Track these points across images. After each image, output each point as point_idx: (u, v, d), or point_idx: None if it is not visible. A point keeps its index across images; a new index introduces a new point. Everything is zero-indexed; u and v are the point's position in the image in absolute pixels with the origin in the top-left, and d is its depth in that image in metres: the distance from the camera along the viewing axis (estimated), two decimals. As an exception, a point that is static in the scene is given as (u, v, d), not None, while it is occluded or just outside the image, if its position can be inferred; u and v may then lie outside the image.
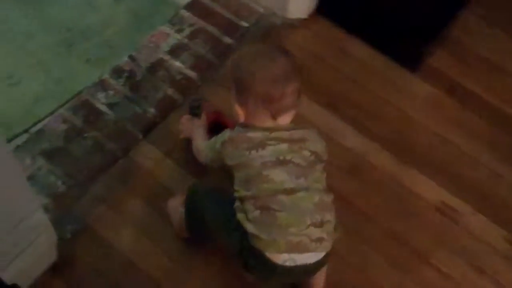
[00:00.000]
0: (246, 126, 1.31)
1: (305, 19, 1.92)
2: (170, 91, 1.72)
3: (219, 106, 1.63)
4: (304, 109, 1.39)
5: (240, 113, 1.32)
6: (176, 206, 1.49)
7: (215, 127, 1.54)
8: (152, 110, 1.68)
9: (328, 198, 1.29)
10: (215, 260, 1.49)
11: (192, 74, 1.76)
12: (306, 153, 1.29)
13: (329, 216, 1.27)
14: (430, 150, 1.73)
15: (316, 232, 1.24)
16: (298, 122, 1.36)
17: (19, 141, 1.63)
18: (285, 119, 1.31)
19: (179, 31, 1.84)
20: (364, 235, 1.57)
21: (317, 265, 1.29)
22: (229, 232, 1.29)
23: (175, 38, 1.83)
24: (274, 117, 1.28)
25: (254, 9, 1.91)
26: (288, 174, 1.25)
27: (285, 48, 1.38)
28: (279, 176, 1.25)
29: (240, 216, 1.25)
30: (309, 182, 1.27)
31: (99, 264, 1.46)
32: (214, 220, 1.34)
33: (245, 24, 1.88)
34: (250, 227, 1.23)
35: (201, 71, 1.77)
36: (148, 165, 1.61)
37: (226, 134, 1.32)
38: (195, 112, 1.63)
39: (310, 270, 1.32)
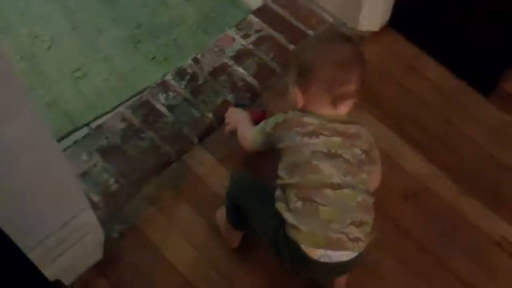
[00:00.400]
0: (304, 111, 1.29)
1: (375, 32, 1.86)
2: (230, 97, 1.70)
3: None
4: (365, 125, 1.34)
5: (299, 98, 1.30)
6: (224, 216, 1.47)
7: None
8: (210, 115, 1.66)
9: (370, 200, 1.27)
10: (263, 274, 1.46)
11: (254, 82, 1.73)
12: (357, 151, 1.27)
13: (368, 218, 1.26)
14: (497, 184, 1.63)
15: (355, 232, 1.22)
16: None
17: (78, 135, 1.66)
18: (344, 108, 1.29)
19: (245, 36, 1.82)
20: (414, 264, 1.49)
21: (350, 265, 1.27)
22: (265, 221, 1.27)
23: (240, 43, 1.80)
24: (334, 103, 1.27)
25: (324, 19, 1.86)
26: (337, 169, 1.24)
27: (349, 35, 1.36)
28: (328, 170, 1.23)
29: (279, 205, 1.24)
30: (356, 181, 1.25)
31: (143, 266, 1.46)
32: (251, 207, 1.33)
33: (312, 33, 1.84)
34: (290, 218, 1.21)
35: (263, 79, 1.74)
36: (201, 171, 1.59)
37: (280, 116, 1.31)
38: (241, 105, 1.64)
39: (342, 269, 1.30)
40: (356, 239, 1.22)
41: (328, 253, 1.21)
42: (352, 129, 1.28)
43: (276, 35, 1.82)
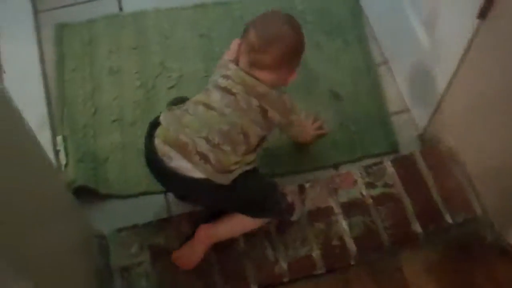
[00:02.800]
0: (237, 59, 1.44)
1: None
2: (315, 254, 1.43)
3: None
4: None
5: (235, 52, 1.45)
6: None
7: None
8: (284, 266, 1.41)
9: (239, 138, 1.35)
10: None
11: (352, 247, 1.44)
12: (255, 102, 1.38)
13: (227, 148, 1.34)
14: None
15: (204, 147, 1.33)
16: None
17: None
18: (260, 75, 1.39)
19: (369, 185, 1.51)
20: None
21: (197, 189, 1.35)
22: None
23: (360, 191, 1.51)
24: (250, 66, 1.40)
25: (471, 207, 1.50)
26: (222, 98, 1.38)
27: (300, 27, 1.44)
28: (215, 96, 1.39)
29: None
30: (232, 116, 1.36)
31: None
32: None
33: (448, 219, 1.48)
34: (162, 116, 1.40)
35: (364, 249, 1.44)
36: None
37: (222, 58, 1.50)
38: None
39: (190, 188, 1.36)
40: (204, 156, 1.33)
41: (172, 154, 1.34)
42: (261, 88, 1.39)
43: (406, 201, 1.50)
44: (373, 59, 1.86)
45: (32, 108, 1.73)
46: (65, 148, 1.67)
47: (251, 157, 1.39)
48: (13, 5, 1.91)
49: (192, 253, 1.42)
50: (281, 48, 1.38)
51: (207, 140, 1.33)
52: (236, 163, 1.35)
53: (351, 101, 1.79)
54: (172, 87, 1.79)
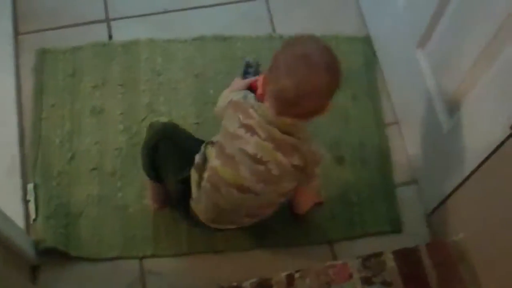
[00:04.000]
0: (259, 100, 1.28)
1: None
2: None
3: None
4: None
5: (261, 86, 1.27)
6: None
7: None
8: None
9: (278, 201, 1.36)
10: None
11: None
12: (286, 162, 1.25)
13: (270, 210, 1.39)
14: None
15: (246, 222, 1.40)
16: None
17: None
18: (291, 120, 1.23)
19: (366, 280, 1.35)
20: None
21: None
22: (176, 183, 1.38)
23: (354, 286, 1.36)
24: (278, 113, 1.22)
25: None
26: (253, 175, 1.26)
27: (337, 63, 1.22)
28: (245, 173, 1.26)
29: (194, 176, 1.34)
30: (266, 192, 1.30)
31: None
32: (167, 165, 1.41)
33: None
34: (195, 193, 1.35)
35: None
36: None
37: (238, 95, 1.31)
38: (247, 72, 1.62)
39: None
40: (239, 222, 1.41)
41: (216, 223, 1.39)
42: (290, 140, 1.24)
43: (404, 301, 1.36)
44: (383, 118, 1.70)
45: (3, 148, 1.58)
46: (36, 199, 1.51)
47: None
48: (-9, 24, 1.73)
49: None
50: (315, 102, 1.21)
51: (247, 215, 1.38)
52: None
53: (355, 166, 1.63)
54: (159, 134, 1.62)
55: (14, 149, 1.57)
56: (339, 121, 1.68)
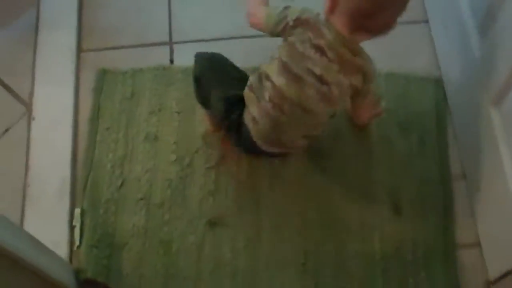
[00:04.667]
0: (327, 18, 1.27)
1: None
2: None
3: None
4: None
5: (327, 1, 1.24)
6: None
7: None
8: None
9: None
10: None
11: None
12: (346, 82, 1.28)
13: (315, 132, 1.41)
14: None
15: (299, 140, 1.41)
16: None
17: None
18: (360, 37, 1.26)
19: None
20: None
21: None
22: (220, 100, 1.39)
23: None
24: (352, 30, 1.24)
25: None
26: (317, 94, 1.28)
27: None
28: (310, 92, 1.28)
29: (249, 94, 1.36)
30: (327, 108, 1.33)
31: None
32: (212, 85, 1.42)
33: None
34: (255, 111, 1.35)
35: None
36: None
37: (305, 13, 1.28)
38: None
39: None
40: (295, 144, 1.42)
41: (270, 145, 1.39)
42: (358, 61, 1.28)
43: None
44: (450, 170, 1.58)
45: (55, 168, 1.56)
46: (81, 226, 1.49)
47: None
48: (55, 39, 1.71)
49: None
50: (393, 12, 1.22)
51: (304, 136, 1.40)
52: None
53: (413, 219, 1.51)
54: (210, 167, 1.57)
55: (66, 171, 1.55)
56: (401, 166, 1.58)
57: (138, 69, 1.69)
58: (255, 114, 1.35)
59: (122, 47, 1.73)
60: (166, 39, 1.73)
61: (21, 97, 1.63)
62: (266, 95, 1.32)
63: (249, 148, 1.44)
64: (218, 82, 1.41)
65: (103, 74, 1.68)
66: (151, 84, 1.68)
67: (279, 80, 1.29)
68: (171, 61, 1.71)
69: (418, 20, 1.76)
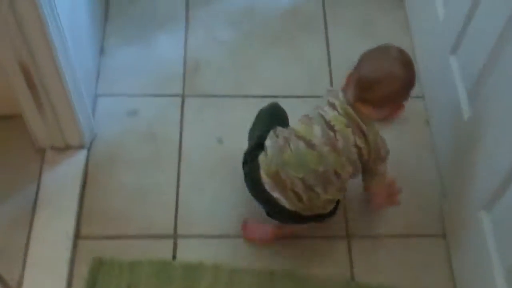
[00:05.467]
0: (345, 89, 1.48)
1: None
2: None
3: None
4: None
5: (346, 78, 1.49)
6: None
7: None
8: None
9: (333, 179, 1.43)
10: None
11: None
12: (352, 140, 1.42)
13: (320, 190, 1.44)
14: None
15: (300, 187, 1.43)
16: None
17: None
18: (364, 109, 1.44)
19: None
20: None
21: (290, 216, 1.48)
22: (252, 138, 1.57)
23: None
24: (355, 99, 1.43)
25: None
26: (323, 135, 1.42)
27: (413, 65, 1.47)
28: (317, 131, 1.43)
29: (269, 135, 1.50)
30: (330, 154, 1.41)
31: None
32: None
33: None
34: (268, 143, 1.48)
35: None
36: None
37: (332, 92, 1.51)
38: None
39: (283, 214, 1.48)
40: (298, 196, 1.44)
41: (272, 186, 1.45)
42: (363, 127, 1.42)
43: None
44: None
45: None
46: None
47: (340, 194, 1.51)
48: (52, 222, 1.61)
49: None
50: (387, 88, 1.42)
51: (303, 180, 1.42)
52: (326, 201, 1.47)
53: None
54: None
55: None
56: None
57: (137, 261, 1.58)
58: (268, 144, 1.48)
59: (123, 236, 1.63)
60: (171, 231, 1.64)
61: (8, 284, 1.50)
62: (281, 132, 1.49)
63: (254, 187, 1.50)
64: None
65: (99, 265, 1.56)
66: (149, 279, 1.56)
67: (295, 124, 1.50)
68: (174, 257, 1.60)
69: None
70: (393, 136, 1.64)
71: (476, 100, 1.49)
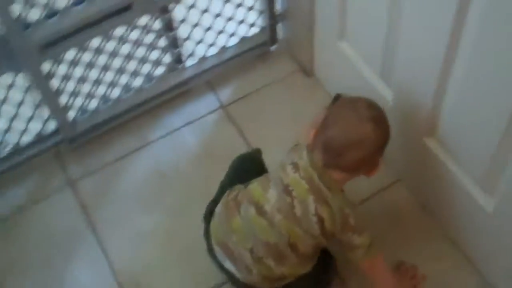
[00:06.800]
0: (311, 149, 1.29)
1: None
2: None
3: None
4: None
5: (310, 136, 1.31)
6: None
7: None
8: None
9: (287, 253, 1.27)
10: None
11: None
12: (312, 209, 1.24)
13: (272, 262, 1.29)
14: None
15: (248, 261, 1.30)
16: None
17: None
18: (334, 174, 1.26)
19: None
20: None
21: (243, 287, 1.34)
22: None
23: None
24: (324, 164, 1.26)
25: None
26: (278, 202, 1.27)
27: (385, 119, 1.28)
28: (272, 196, 1.28)
29: (226, 194, 1.37)
30: (282, 225, 1.26)
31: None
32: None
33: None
34: (218, 208, 1.36)
35: None
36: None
37: (296, 144, 1.35)
38: None
39: (238, 285, 1.36)
40: (248, 269, 1.30)
41: (223, 257, 1.33)
42: (327, 194, 1.25)
43: None
44: None
45: None
46: None
47: (307, 268, 1.33)
48: None
49: None
50: (360, 152, 1.24)
51: (252, 252, 1.29)
52: (284, 275, 1.31)
53: None
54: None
55: None
56: None
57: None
58: (217, 210, 1.37)
59: None
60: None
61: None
62: (235, 193, 1.35)
63: (210, 253, 1.38)
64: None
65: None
66: None
67: (255, 183, 1.33)
68: None
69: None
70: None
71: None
